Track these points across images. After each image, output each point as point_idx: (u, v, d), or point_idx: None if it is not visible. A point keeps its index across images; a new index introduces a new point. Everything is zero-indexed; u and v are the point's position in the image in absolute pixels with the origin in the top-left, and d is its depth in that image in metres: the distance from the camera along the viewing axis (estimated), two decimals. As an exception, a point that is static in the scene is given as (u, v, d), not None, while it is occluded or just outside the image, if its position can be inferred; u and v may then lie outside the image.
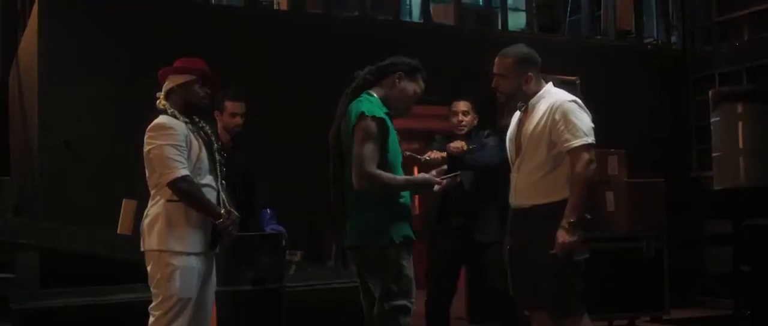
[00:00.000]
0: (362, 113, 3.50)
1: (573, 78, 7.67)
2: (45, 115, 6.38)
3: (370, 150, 3.46)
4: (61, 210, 6.02)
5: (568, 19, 9.34)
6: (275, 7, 8.12)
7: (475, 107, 5.33)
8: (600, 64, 8.36)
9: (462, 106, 5.28)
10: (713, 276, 8.22)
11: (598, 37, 9.17)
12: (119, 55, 6.55)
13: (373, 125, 3.48)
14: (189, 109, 3.85)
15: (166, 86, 3.88)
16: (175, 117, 3.76)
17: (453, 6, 8.34)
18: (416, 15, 8.57)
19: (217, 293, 4.19)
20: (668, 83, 9.06)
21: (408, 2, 8.59)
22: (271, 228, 4.83)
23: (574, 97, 3.82)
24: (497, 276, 4.75)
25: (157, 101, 3.86)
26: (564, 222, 3.61)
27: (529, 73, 3.85)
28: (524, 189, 3.84)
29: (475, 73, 7.87)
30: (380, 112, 3.53)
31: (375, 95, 3.65)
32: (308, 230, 6.75)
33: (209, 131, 3.91)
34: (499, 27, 8.59)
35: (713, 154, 7.43)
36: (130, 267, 5.11)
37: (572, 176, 3.68)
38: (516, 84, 3.85)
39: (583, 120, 3.74)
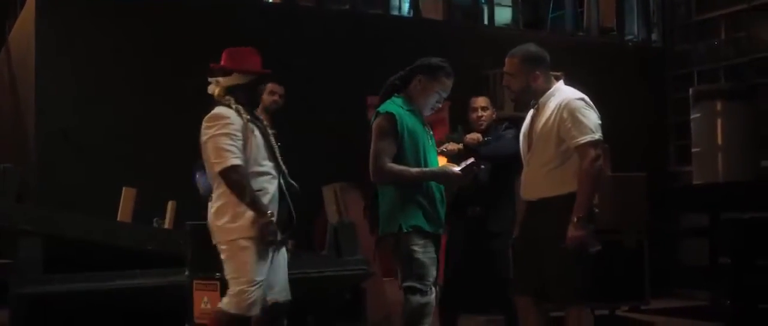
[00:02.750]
0: (377, 112, 3.76)
1: (558, 73, 7.84)
2: (41, 105, 6.46)
3: (382, 145, 3.69)
4: (57, 198, 6.10)
5: (552, 16, 9.53)
6: (268, 0, 8.22)
7: (493, 103, 5.43)
8: (582, 60, 8.53)
9: (480, 101, 5.38)
10: (689, 268, 8.44)
11: (581, 34, 9.37)
12: (115, 46, 6.65)
13: (383, 121, 3.71)
14: (252, 105, 3.95)
15: (228, 81, 3.92)
16: (237, 111, 3.81)
17: (441, 1, 8.49)
18: (406, 9, 8.71)
19: (222, 279, 4.30)
20: (648, 80, 9.27)
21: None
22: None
23: (582, 95, 3.92)
24: (503, 264, 4.90)
25: (215, 93, 3.91)
26: (573, 218, 3.73)
27: (537, 72, 3.96)
28: (533, 183, 3.97)
29: (463, 66, 8.04)
30: (394, 108, 3.72)
31: (402, 97, 3.83)
32: (298, 220, 6.87)
33: (265, 123, 4.00)
34: (486, 22, 8.77)
35: (693, 150, 7.64)
36: (130, 254, 5.24)
37: (579, 172, 3.79)
38: (524, 82, 3.97)
39: (590, 117, 3.84)
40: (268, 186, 3.83)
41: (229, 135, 3.74)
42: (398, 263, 3.75)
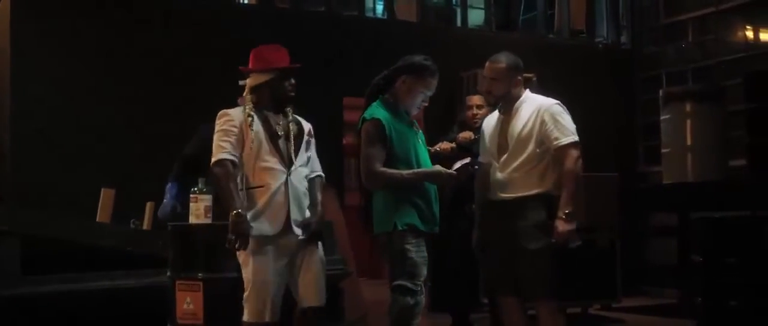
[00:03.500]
0: (363, 118, 3.78)
1: (530, 75, 7.96)
2: (17, 105, 6.41)
3: (373, 150, 3.73)
4: (34, 199, 6.08)
5: (523, 18, 9.64)
6: (244, 2, 8.24)
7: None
8: (553, 62, 8.65)
9: (476, 99, 5.41)
10: (657, 267, 8.61)
11: (552, 36, 9.50)
12: (93, 45, 6.64)
13: (371, 127, 3.76)
14: (278, 102, 3.97)
15: (251, 81, 3.99)
16: (244, 108, 3.91)
17: (415, 2, 8.58)
18: (380, 11, 8.79)
19: (204, 280, 4.34)
20: (617, 81, 9.42)
21: (372, -2, 8.82)
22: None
23: (557, 101, 4.10)
24: None
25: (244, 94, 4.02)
26: (561, 213, 3.91)
27: (518, 78, 4.14)
28: (508, 183, 4.08)
29: (436, 67, 8.12)
30: (380, 113, 3.76)
31: (386, 98, 3.88)
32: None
33: (292, 120, 4.00)
34: (459, 23, 8.87)
35: (662, 150, 7.77)
36: (110, 255, 5.24)
37: (564, 171, 3.97)
38: (507, 88, 4.12)
39: (568, 121, 4.05)
40: (271, 182, 3.86)
41: (225, 131, 3.86)
42: (389, 262, 3.79)
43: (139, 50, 6.82)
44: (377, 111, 3.81)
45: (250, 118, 3.88)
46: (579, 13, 9.53)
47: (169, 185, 5.17)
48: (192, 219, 4.47)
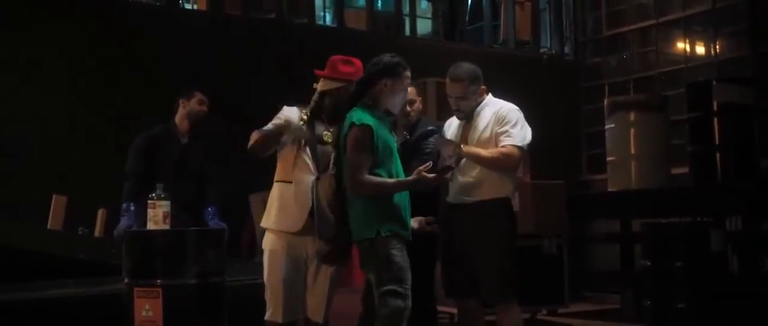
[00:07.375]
0: (352, 123, 3.75)
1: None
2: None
3: (359, 158, 3.71)
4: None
5: (470, 28, 9.77)
6: (193, 7, 8.18)
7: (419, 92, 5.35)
8: (499, 71, 8.74)
9: (409, 93, 5.28)
10: (599, 273, 8.78)
11: (497, 46, 9.65)
12: (43, 50, 6.53)
13: (360, 133, 3.72)
14: (336, 111, 3.99)
15: (319, 87, 4.05)
16: (303, 112, 3.98)
17: (365, 11, 8.62)
18: (329, 19, 8.80)
19: (163, 286, 4.28)
20: (561, 91, 9.62)
21: (322, 6, 8.81)
22: (214, 223, 4.94)
23: (517, 107, 4.21)
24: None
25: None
26: (461, 146, 4.03)
27: (481, 87, 4.22)
28: (469, 188, 4.14)
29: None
30: (369, 119, 3.74)
31: (368, 102, 3.87)
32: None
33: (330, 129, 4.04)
34: (408, 33, 8.94)
35: (608, 159, 7.93)
36: (61, 263, 5.13)
37: (500, 151, 4.06)
38: (474, 101, 4.20)
39: (525, 128, 4.16)
40: (300, 181, 3.96)
41: (272, 122, 4.03)
42: (373, 268, 3.75)
43: (90, 56, 6.74)
44: (365, 116, 3.78)
45: (301, 121, 3.97)
46: (524, 24, 9.71)
47: (124, 205, 5.04)
48: (150, 226, 4.41)
